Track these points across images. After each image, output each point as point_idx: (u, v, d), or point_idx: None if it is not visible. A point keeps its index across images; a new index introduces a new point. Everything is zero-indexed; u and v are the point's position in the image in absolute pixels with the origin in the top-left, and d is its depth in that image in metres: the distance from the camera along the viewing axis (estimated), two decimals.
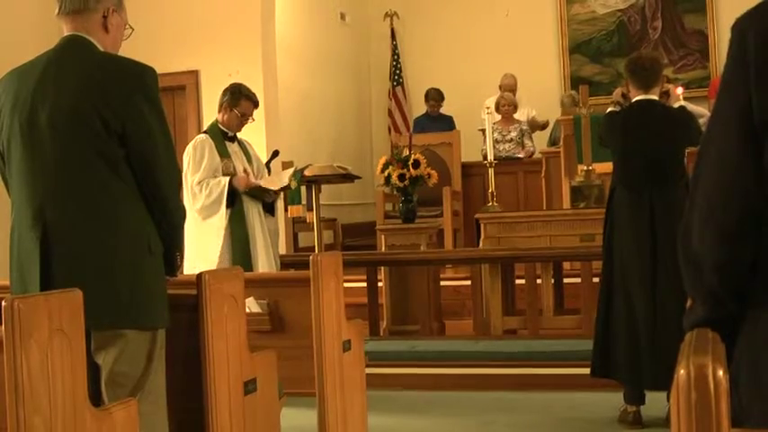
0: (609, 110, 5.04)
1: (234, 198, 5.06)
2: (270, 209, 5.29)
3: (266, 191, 5.21)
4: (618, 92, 5.32)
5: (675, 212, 4.45)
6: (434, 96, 9.95)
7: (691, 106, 5.83)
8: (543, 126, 9.63)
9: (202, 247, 4.99)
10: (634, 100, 4.67)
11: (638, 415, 4.57)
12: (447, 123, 9.80)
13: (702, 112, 7.61)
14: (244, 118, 5.22)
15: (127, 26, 2.96)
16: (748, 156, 1.39)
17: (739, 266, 1.42)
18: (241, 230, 5.08)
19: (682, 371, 1.02)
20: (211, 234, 5.02)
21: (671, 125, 4.63)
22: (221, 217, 5.01)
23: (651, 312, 4.44)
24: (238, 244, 5.05)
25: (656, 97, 4.65)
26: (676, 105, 4.92)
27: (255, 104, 5.28)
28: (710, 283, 1.44)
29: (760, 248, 1.40)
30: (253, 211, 5.14)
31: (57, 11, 2.84)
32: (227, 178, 5.05)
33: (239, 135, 5.32)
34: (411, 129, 10.42)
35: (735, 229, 1.41)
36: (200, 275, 2.85)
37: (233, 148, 5.23)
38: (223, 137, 5.20)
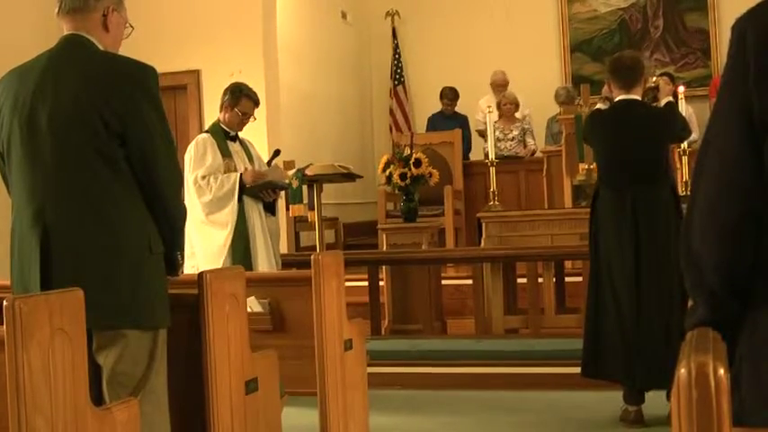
0: (597, 106, 5.05)
1: (241, 194, 5.07)
2: (270, 208, 5.30)
3: (276, 184, 5.21)
4: (607, 88, 5.33)
5: (658, 212, 4.47)
6: (449, 95, 9.96)
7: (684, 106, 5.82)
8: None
9: (207, 241, 5.00)
10: (616, 100, 4.69)
11: (640, 414, 4.57)
12: (461, 122, 9.81)
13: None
14: (245, 117, 5.23)
15: (127, 25, 2.96)
16: (748, 155, 1.39)
17: (740, 266, 1.42)
18: (241, 230, 5.08)
19: (682, 370, 1.01)
20: (217, 230, 5.01)
21: (652, 124, 4.63)
22: (230, 212, 5.01)
23: (636, 311, 4.46)
24: (239, 243, 5.05)
25: (637, 97, 4.66)
26: (664, 102, 4.92)
27: (256, 103, 5.29)
28: (711, 283, 1.44)
29: (760, 248, 1.40)
30: (253, 210, 5.14)
31: (56, 10, 2.84)
32: (238, 173, 5.05)
33: (241, 134, 5.33)
34: (417, 127, 10.45)
35: (735, 228, 1.41)
36: (201, 275, 2.85)
37: (234, 147, 5.24)
38: (225, 136, 5.20)
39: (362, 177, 6.47)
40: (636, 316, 4.45)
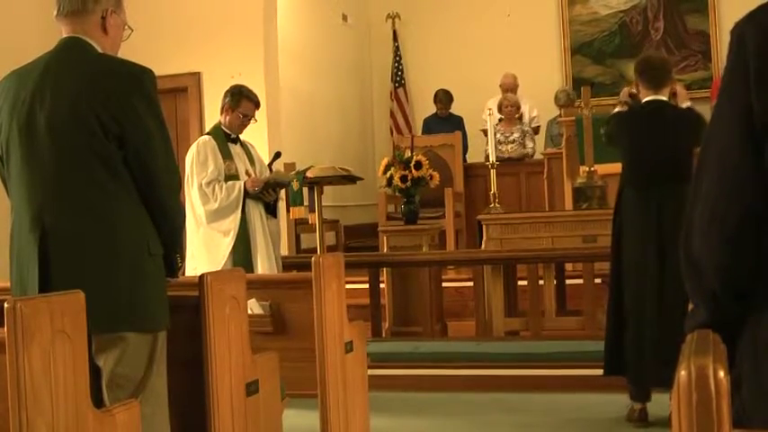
0: (616, 110, 5.04)
1: (243, 202, 5.10)
2: (272, 210, 5.30)
3: (277, 181, 5.23)
4: (625, 92, 5.32)
5: (683, 213, 4.45)
6: (442, 98, 9.96)
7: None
8: (535, 131, 9.63)
9: (208, 245, 5.01)
10: (644, 101, 4.68)
11: (644, 412, 4.58)
12: (456, 124, 9.80)
13: None
14: (245, 119, 5.24)
15: (126, 27, 2.95)
16: (749, 158, 1.39)
17: (741, 268, 1.41)
18: (242, 232, 5.09)
19: (682, 371, 1.01)
20: (219, 236, 5.02)
21: (680, 126, 4.65)
22: (233, 220, 5.03)
23: (658, 312, 4.46)
24: (240, 245, 5.06)
25: (665, 98, 4.66)
26: (684, 106, 4.93)
27: (257, 105, 5.30)
28: (712, 285, 1.44)
29: (761, 250, 1.40)
30: (254, 212, 5.15)
31: (55, 12, 2.84)
32: (242, 182, 5.07)
33: (242, 137, 5.34)
34: (418, 129, 10.45)
35: (736, 231, 1.41)
36: (201, 277, 2.85)
37: (235, 149, 5.25)
38: (226, 138, 5.21)
39: (363, 179, 6.47)
40: (658, 316, 4.45)
